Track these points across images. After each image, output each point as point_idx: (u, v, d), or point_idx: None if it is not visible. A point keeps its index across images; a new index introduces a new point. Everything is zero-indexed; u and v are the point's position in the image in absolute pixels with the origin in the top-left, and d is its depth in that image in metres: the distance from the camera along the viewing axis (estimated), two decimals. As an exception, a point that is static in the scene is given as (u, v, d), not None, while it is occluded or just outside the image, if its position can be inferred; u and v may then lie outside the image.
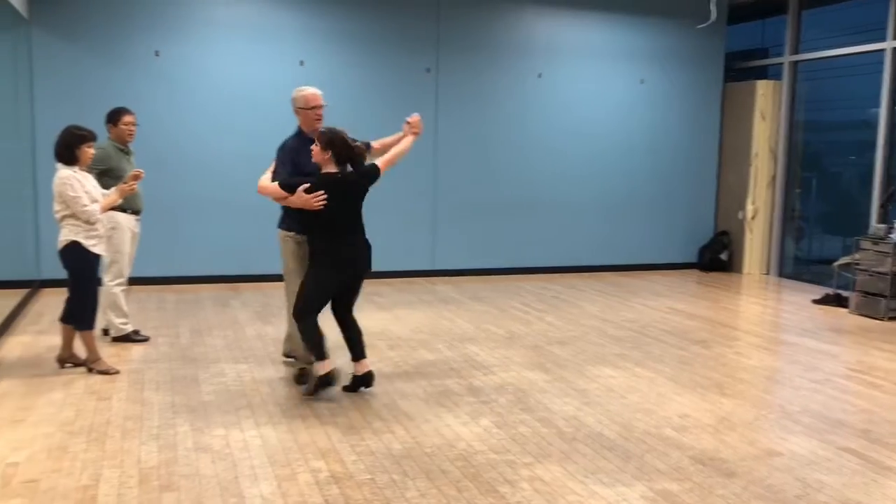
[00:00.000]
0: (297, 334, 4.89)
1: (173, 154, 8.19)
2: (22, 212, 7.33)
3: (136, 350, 5.79)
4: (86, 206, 4.98)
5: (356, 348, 4.92)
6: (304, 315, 4.72)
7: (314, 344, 4.75)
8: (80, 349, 5.28)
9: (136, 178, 5.29)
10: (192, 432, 4.17)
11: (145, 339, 6.05)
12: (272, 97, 8.53)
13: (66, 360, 5.29)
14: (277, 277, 8.53)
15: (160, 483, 3.54)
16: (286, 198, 4.74)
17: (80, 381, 5.00)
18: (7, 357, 5.54)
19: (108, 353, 5.58)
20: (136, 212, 6.04)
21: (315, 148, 4.71)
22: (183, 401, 4.68)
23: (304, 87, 5.14)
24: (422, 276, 9.05)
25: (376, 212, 9.06)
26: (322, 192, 4.62)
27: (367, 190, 4.87)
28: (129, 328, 6.05)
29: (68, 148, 5.03)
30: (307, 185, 4.63)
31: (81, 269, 5.11)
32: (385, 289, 8.42)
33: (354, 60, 8.81)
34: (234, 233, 8.52)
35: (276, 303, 7.52)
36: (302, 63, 8.61)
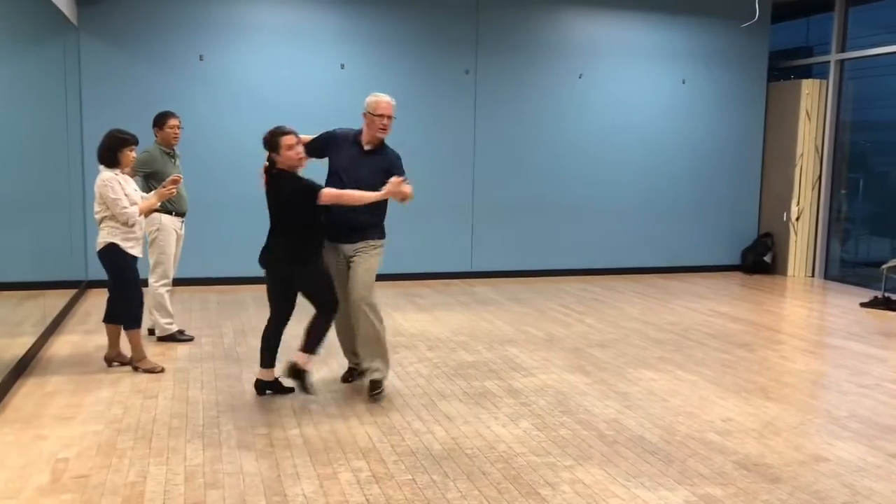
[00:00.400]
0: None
1: (215, 156, 8.32)
2: (70, 214, 7.50)
3: (180, 349, 5.89)
4: (125, 208, 5.08)
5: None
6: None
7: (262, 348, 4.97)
8: (126, 348, 5.39)
9: (174, 182, 5.38)
10: (235, 431, 4.23)
11: (190, 339, 6.16)
12: (313, 100, 8.64)
13: (114, 359, 5.42)
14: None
15: (205, 481, 3.59)
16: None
17: (127, 380, 5.10)
18: (56, 356, 5.68)
19: (154, 353, 5.69)
20: (180, 213, 6.15)
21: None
22: (227, 399, 4.75)
23: (379, 94, 4.94)
24: (460, 278, 9.06)
25: (414, 214, 9.16)
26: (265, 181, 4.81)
27: (295, 203, 4.66)
28: (174, 328, 6.16)
29: (111, 151, 5.13)
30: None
31: (120, 270, 5.22)
32: (424, 290, 8.45)
33: (394, 63, 8.86)
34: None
35: (317, 304, 7.59)
36: (343, 66, 8.68)
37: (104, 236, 5.17)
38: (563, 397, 4.89)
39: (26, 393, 4.81)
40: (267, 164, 4.77)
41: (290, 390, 4.86)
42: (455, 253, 9.20)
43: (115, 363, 5.40)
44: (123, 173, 5.23)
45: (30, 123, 6.13)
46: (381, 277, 8.88)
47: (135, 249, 5.24)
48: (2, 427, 4.23)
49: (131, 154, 5.22)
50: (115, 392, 4.85)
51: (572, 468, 3.80)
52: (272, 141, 4.73)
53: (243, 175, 8.50)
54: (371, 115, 4.86)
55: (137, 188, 5.39)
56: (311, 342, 4.73)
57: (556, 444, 4.11)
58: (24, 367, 5.25)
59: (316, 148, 5.01)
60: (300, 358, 4.70)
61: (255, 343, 6.10)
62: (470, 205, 9.17)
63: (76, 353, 5.76)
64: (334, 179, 4.85)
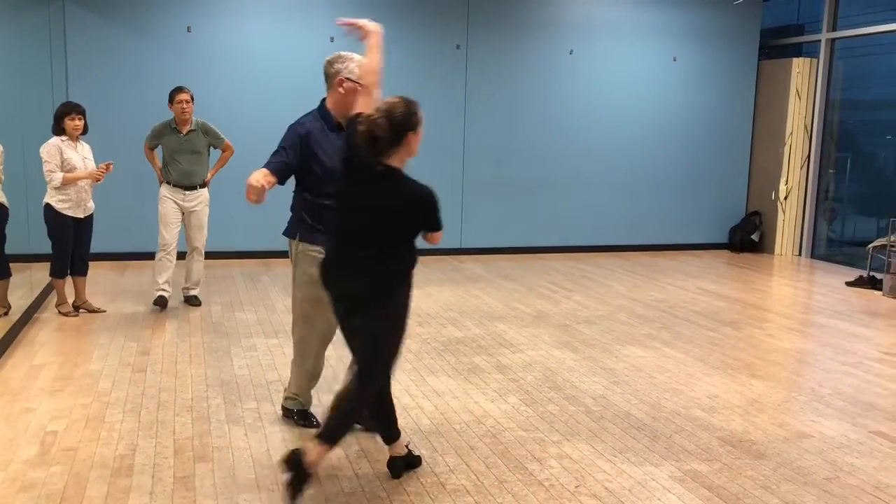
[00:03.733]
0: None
1: (205, 130, 8.25)
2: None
3: (169, 324, 5.89)
4: (50, 171, 5.66)
5: None
6: None
7: None
8: (94, 299, 6.20)
9: (106, 167, 5.85)
10: (224, 405, 4.24)
11: (160, 306, 6.28)
12: (303, 73, 8.55)
13: (79, 307, 6.12)
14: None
15: (194, 454, 3.61)
16: None
17: (116, 354, 5.09)
18: (45, 328, 5.66)
19: (143, 326, 5.70)
20: (179, 186, 6.33)
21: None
22: (216, 374, 4.76)
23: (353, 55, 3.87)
24: (450, 254, 9.07)
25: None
26: None
27: (410, 214, 3.35)
28: (161, 294, 6.29)
29: (55, 119, 5.77)
30: None
31: (50, 227, 5.84)
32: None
33: (384, 37, 8.76)
34: (265, 208, 8.55)
35: (306, 278, 7.59)
36: (332, 39, 8.59)
37: (45, 197, 5.80)
38: (551, 373, 4.92)
39: (14, 365, 4.80)
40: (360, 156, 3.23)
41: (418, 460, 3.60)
42: (445, 229, 9.18)
43: (82, 310, 6.12)
44: (72, 141, 5.79)
45: (12, 93, 6.09)
46: (370, 253, 8.93)
47: (70, 210, 5.83)
48: (-11, 400, 4.23)
49: (72, 122, 5.74)
50: (104, 365, 4.85)
51: (559, 443, 3.84)
52: (412, 119, 3.20)
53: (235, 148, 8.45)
54: (353, 83, 3.72)
55: (89, 156, 5.98)
56: (331, 426, 3.18)
57: (544, 419, 4.14)
58: (11, 339, 5.23)
59: (289, 166, 3.83)
60: (310, 449, 3.09)
61: (244, 317, 6.12)
62: (460, 181, 9.15)
63: (64, 325, 5.75)
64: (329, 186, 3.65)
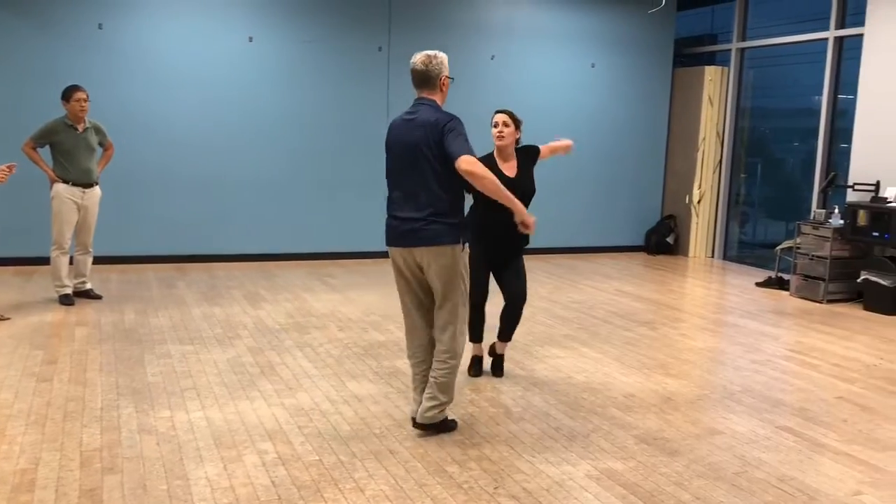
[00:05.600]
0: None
1: (117, 129, 7.93)
2: None
3: (79, 331, 5.66)
4: None
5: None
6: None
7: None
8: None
9: (9, 168, 5.53)
10: (136, 414, 4.10)
11: (70, 304, 6.36)
12: (220, 72, 8.39)
13: None
14: (224, 258, 8.49)
15: (102, 465, 3.47)
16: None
17: (19, 364, 4.87)
18: (-59, 338, 5.37)
19: (50, 335, 5.47)
20: (78, 184, 6.31)
21: (511, 126, 4.67)
22: (127, 382, 4.60)
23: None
24: (375, 257, 9.00)
25: (329, 192, 9.04)
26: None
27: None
28: (65, 290, 6.40)
29: None
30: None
31: None
32: (336, 270, 8.37)
33: (304, 37, 8.68)
34: (180, 211, 8.37)
35: (222, 283, 7.42)
36: (251, 39, 8.45)
37: None
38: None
39: None
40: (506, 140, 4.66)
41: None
42: (369, 231, 9.11)
43: None
44: None
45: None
46: (291, 256, 8.82)
47: None
48: None
49: None
50: (6, 376, 4.62)
51: (479, 445, 3.85)
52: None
53: (144, 149, 8.21)
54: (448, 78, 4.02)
55: None
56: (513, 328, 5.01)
57: (465, 421, 4.15)
58: None
59: None
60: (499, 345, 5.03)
61: (159, 323, 5.94)
62: (384, 182, 9.06)
63: (-37, 334, 5.47)
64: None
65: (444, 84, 3.96)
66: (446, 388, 3.90)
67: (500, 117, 4.72)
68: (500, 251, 4.74)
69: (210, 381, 4.67)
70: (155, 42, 8.15)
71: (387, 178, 3.97)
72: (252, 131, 8.54)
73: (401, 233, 3.87)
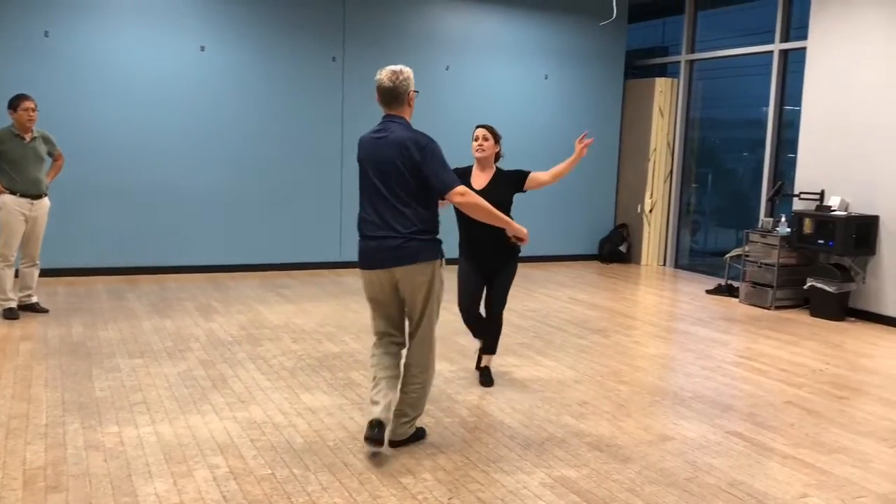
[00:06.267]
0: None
1: (65, 139, 7.77)
2: None
3: (23, 345, 5.52)
4: None
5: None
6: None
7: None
8: None
9: None
10: (83, 430, 4.00)
11: (15, 318, 6.24)
12: (171, 82, 8.28)
13: None
14: (175, 269, 8.36)
15: (47, 484, 3.38)
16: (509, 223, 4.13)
17: (-40, 379, 4.72)
18: None
19: (-8, 349, 5.32)
20: (26, 195, 6.20)
21: (490, 140, 4.88)
22: (74, 397, 4.49)
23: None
24: (329, 268, 8.96)
25: (283, 203, 8.97)
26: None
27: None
28: (10, 304, 6.27)
29: None
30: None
31: None
32: (290, 281, 8.30)
33: (257, 47, 8.62)
34: (131, 222, 8.22)
35: (174, 296, 7.30)
36: (203, 48, 8.36)
37: None
38: (427, 386, 4.93)
39: None
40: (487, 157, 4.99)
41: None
42: (323, 242, 9.07)
43: None
44: None
45: None
46: (244, 268, 8.72)
47: None
48: None
49: None
50: (-54, 393, 4.48)
51: (434, 455, 3.84)
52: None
53: (93, 159, 8.05)
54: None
55: None
56: (495, 341, 5.17)
57: (419, 432, 4.14)
58: None
59: None
60: (484, 358, 5.15)
61: (108, 336, 5.81)
62: (339, 193, 9.07)
63: None
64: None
65: (411, 99, 3.97)
66: (418, 403, 3.94)
67: (481, 132, 5.01)
68: (488, 260, 4.96)
69: (160, 394, 4.58)
70: (104, 50, 8.02)
71: (360, 195, 3.91)
72: (204, 142, 8.44)
73: (378, 254, 3.78)
